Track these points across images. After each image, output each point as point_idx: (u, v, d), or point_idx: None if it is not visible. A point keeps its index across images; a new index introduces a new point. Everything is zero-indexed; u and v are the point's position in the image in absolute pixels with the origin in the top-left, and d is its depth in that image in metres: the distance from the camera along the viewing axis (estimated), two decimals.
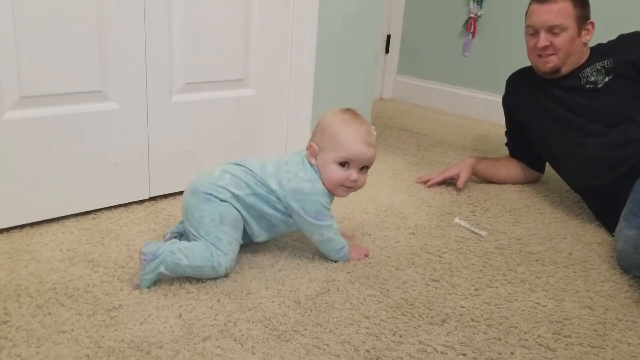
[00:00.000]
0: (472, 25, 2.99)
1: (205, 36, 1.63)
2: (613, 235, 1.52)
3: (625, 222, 1.40)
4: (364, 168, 1.29)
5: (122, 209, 1.58)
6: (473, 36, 3.02)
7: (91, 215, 1.52)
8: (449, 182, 1.94)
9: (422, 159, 2.25)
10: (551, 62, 1.71)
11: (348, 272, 1.30)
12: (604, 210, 1.64)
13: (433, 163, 2.20)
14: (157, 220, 1.53)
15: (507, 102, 1.99)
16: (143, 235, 1.43)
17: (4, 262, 1.25)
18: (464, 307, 1.19)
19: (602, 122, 1.65)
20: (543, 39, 1.69)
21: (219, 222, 1.22)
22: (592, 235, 1.60)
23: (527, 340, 1.09)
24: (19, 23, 1.30)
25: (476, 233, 1.56)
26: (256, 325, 1.08)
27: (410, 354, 1.03)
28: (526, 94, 1.86)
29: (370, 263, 1.35)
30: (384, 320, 1.13)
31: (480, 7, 2.95)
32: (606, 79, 1.67)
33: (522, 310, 1.20)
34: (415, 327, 1.11)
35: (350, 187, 1.29)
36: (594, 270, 1.39)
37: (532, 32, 1.73)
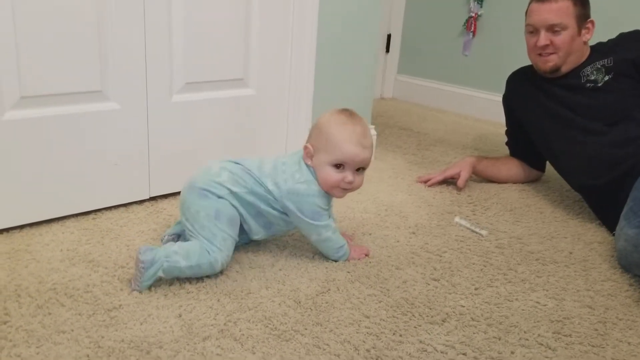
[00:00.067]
0: (473, 25, 2.99)
1: (205, 36, 1.63)
2: (613, 234, 1.51)
3: (625, 221, 1.40)
4: (360, 169, 1.28)
5: (122, 209, 1.58)
6: (473, 35, 3.02)
7: (91, 215, 1.52)
8: (449, 181, 1.94)
9: (423, 158, 2.25)
10: (551, 61, 1.71)
11: (348, 272, 1.30)
12: (604, 209, 1.64)
13: (433, 162, 2.20)
14: (157, 220, 1.53)
15: (507, 101, 1.99)
16: (143, 235, 1.43)
17: (4, 262, 1.25)
18: (464, 306, 1.19)
19: (602, 121, 1.65)
20: (543, 38, 1.69)
21: (215, 217, 1.23)
22: (592, 234, 1.60)
23: (527, 340, 1.09)
24: (19, 23, 1.30)
25: (476, 232, 1.56)
26: (256, 325, 1.08)
27: (410, 354, 1.03)
28: (526, 93, 1.86)
29: (370, 262, 1.35)
30: (384, 320, 1.13)
31: (481, 6, 2.95)
32: (606, 78, 1.67)
33: (523, 310, 1.20)
34: (415, 327, 1.11)
35: (346, 189, 1.28)
36: (595, 269, 1.39)
37: (532, 30, 1.73)
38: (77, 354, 0.97)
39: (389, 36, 3.34)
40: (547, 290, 1.28)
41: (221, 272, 1.25)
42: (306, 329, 1.08)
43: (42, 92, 1.38)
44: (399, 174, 2.02)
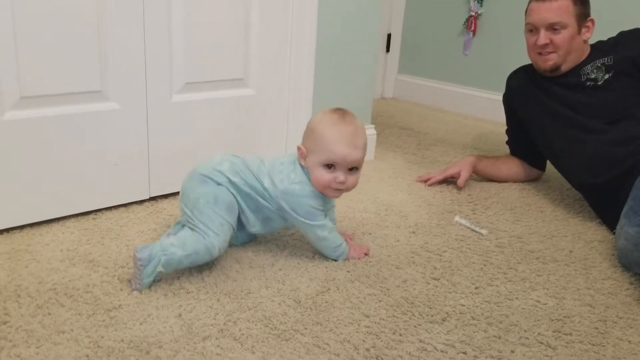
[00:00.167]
0: (473, 24, 2.99)
1: (205, 36, 1.63)
2: (614, 233, 1.51)
3: (626, 219, 1.40)
4: (353, 169, 1.27)
5: (122, 209, 1.58)
6: (474, 34, 3.01)
7: (91, 216, 1.52)
8: (449, 180, 1.94)
9: (423, 157, 2.25)
10: (551, 59, 1.71)
11: (348, 271, 1.30)
12: (604, 207, 1.63)
13: (434, 162, 2.20)
14: (157, 220, 1.53)
15: (507, 100, 1.99)
16: (143, 235, 1.43)
17: (4, 262, 1.25)
18: (464, 305, 1.19)
19: (602, 120, 1.65)
20: (543, 37, 1.68)
21: (213, 203, 1.24)
22: (592, 233, 1.59)
23: (527, 339, 1.09)
24: (19, 23, 1.30)
25: (477, 231, 1.56)
26: (256, 325, 1.08)
27: (410, 353, 1.03)
28: (527, 92, 1.86)
29: (370, 262, 1.35)
30: (384, 319, 1.13)
31: (481, 6, 2.95)
32: (606, 76, 1.67)
33: (523, 309, 1.19)
34: (415, 326, 1.11)
35: (338, 189, 1.28)
36: (595, 268, 1.39)
37: (532, 29, 1.73)
38: (76, 354, 0.97)
39: (389, 36, 3.34)
40: (547, 289, 1.28)
41: (221, 272, 1.25)
42: (306, 329, 1.08)
43: (42, 92, 1.38)
44: (399, 173, 2.02)
